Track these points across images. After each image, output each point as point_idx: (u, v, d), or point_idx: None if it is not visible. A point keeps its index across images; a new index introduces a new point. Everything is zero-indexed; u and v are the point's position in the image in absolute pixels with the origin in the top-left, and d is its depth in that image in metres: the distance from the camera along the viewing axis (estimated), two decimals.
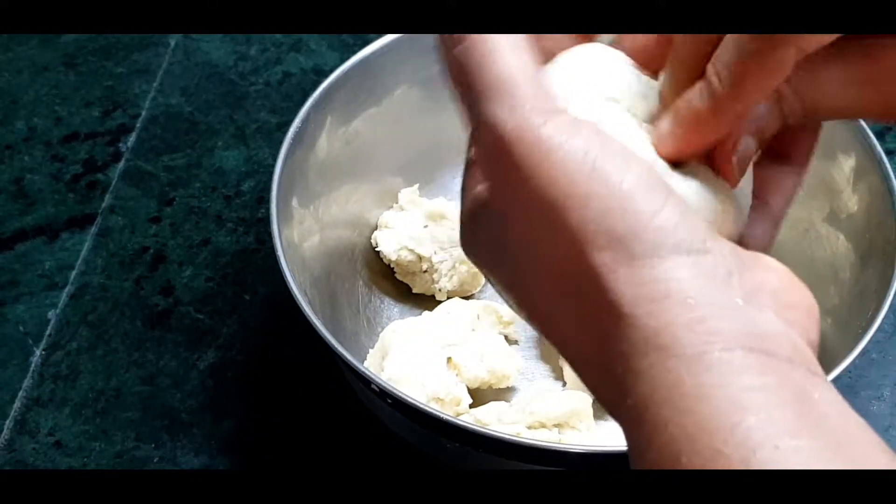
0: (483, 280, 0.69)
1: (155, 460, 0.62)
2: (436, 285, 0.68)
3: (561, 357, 0.65)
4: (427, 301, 0.69)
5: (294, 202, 0.62)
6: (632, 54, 0.36)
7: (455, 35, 0.32)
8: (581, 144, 0.30)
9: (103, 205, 0.76)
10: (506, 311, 0.66)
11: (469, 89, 0.32)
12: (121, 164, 0.78)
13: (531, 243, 0.31)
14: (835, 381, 0.53)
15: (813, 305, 0.31)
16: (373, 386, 0.53)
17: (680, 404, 0.27)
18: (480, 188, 0.32)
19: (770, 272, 0.30)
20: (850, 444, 0.27)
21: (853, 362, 0.53)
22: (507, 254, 0.32)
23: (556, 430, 0.58)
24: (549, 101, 0.31)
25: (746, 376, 0.27)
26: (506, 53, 0.31)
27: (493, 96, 0.31)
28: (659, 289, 0.28)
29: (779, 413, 0.27)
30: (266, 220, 0.60)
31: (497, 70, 0.31)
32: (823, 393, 0.28)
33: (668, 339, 0.28)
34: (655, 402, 0.27)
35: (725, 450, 0.26)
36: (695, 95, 0.33)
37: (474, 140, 0.32)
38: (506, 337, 0.65)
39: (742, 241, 0.35)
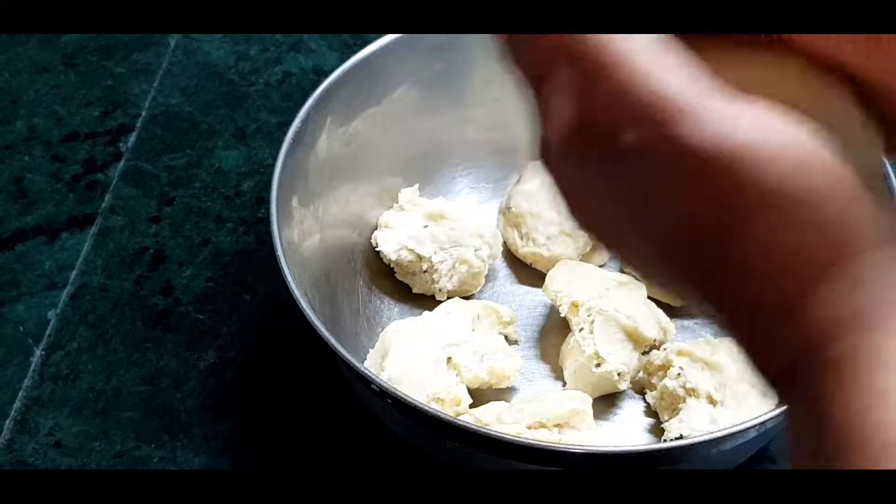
0: (483, 280, 0.69)
1: (155, 460, 0.62)
2: (436, 285, 0.68)
3: (561, 357, 0.65)
4: (427, 301, 0.69)
5: (294, 202, 0.62)
6: None
7: (576, 51, 0.31)
8: (776, 138, 0.29)
9: (103, 205, 0.76)
10: (506, 311, 0.66)
11: (626, 113, 0.30)
12: (121, 164, 0.78)
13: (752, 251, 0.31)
14: None
15: None
16: (373, 386, 0.53)
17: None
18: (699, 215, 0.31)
19: None
20: None
21: None
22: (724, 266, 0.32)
23: (556, 430, 0.58)
24: (718, 99, 0.30)
25: None
26: (654, 62, 0.30)
27: (671, 118, 0.30)
28: (863, 278, 0.29)
29: None
30: (266, 220, 0.60)
31: (661, 86, 0.30)
32: None
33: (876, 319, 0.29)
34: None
35: None
36: None
37: (641, 162, 0.31)
38: (506, 337, 0.65)
39: None
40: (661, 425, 0.62)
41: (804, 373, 0.30)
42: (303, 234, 0.63)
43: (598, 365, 0.62)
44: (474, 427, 0.53)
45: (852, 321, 0.29)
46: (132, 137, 0.80)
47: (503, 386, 0.63)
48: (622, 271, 0.70)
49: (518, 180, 0.73)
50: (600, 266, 0.70)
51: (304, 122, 0.63)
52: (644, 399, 0.64)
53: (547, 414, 0.58)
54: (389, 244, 0.68)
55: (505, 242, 0.71)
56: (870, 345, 0.29)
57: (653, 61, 0.30)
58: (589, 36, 0.31)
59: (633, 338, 0.63)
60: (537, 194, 0.70)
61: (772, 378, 0.32)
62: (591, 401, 0.60)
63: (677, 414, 0.60)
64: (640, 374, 0.64)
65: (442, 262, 0.67)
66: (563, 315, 0.64)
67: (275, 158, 0.61)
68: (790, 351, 0.31)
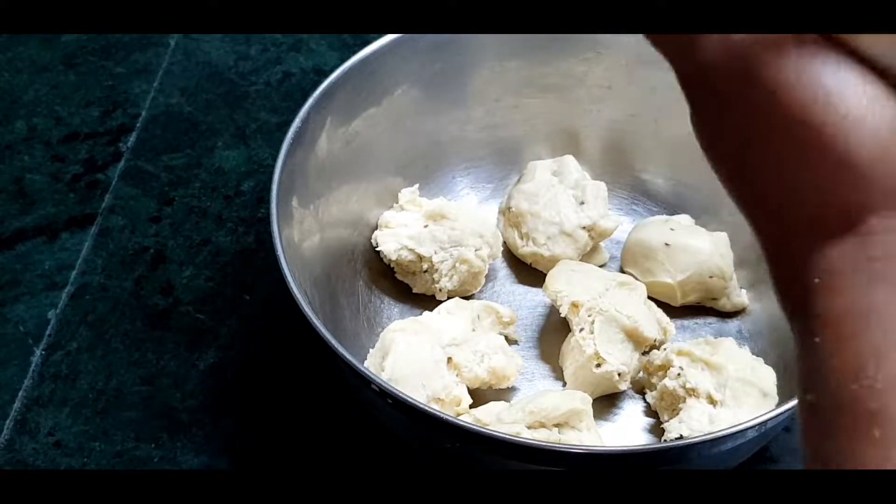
0: (483, 280, 0.69)
1: (155, 460, 0.62)
2: (436, 285, 0.68)
3: (561, 357, 0.65)
4: (427, 301, 0.69)
5: (294, 202, 0.62)
6: None
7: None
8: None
9: (103, 205, 0.76)
10: (506, 312, 0.66)
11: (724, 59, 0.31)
12: (121, 164, 0.78)
13: None
14: None
15: None
16: (373, 386, 0.53)
17: None
18: None
19: None
20: None
21: None
22: None
23: (556, 430, 0.58)
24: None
25: None
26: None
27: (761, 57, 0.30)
28: None
29: None
30: (266, 220, 0.60)
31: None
32: None
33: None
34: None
35: None
36: None
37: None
38: (506, 337, 0.65)
39: None
40: (661, 425, 0.62)
41: (809, 315, 0.30)
42: (303, 234, 0.63)
43: (598, 365, 0.62)
44: (474, 427, 0.53)
45: (858, 275, 0.29)
46: (132, 137, 0.80)
47: (503, 386, 0.63)
48: (622, 271, 0.70)
49: (518, 180, 0.73)
50: (600, 266, 0.70)
51: (304, 122, 0.63)
52: (644, 399, 0.64)
53: (547, 414, 0.58)
54: (389, 244, 0.68)
55: (505, 242, 0.71)
56: (869, 301, 0.28)
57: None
58: None
59: (633, 338, 0.63)
60: (537, 194, 0.70)
61: (788, 309, 0.32)
62: (591, 401, 0.60)
63: (677, 414, 0.60)
64: (640, 374, 0.64)
65: (442, 261, 0.67)
66: (563, 315, 0.64)
67: (275, 158, 0.61)
68: (801, 288, 0.30)
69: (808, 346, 0.29)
